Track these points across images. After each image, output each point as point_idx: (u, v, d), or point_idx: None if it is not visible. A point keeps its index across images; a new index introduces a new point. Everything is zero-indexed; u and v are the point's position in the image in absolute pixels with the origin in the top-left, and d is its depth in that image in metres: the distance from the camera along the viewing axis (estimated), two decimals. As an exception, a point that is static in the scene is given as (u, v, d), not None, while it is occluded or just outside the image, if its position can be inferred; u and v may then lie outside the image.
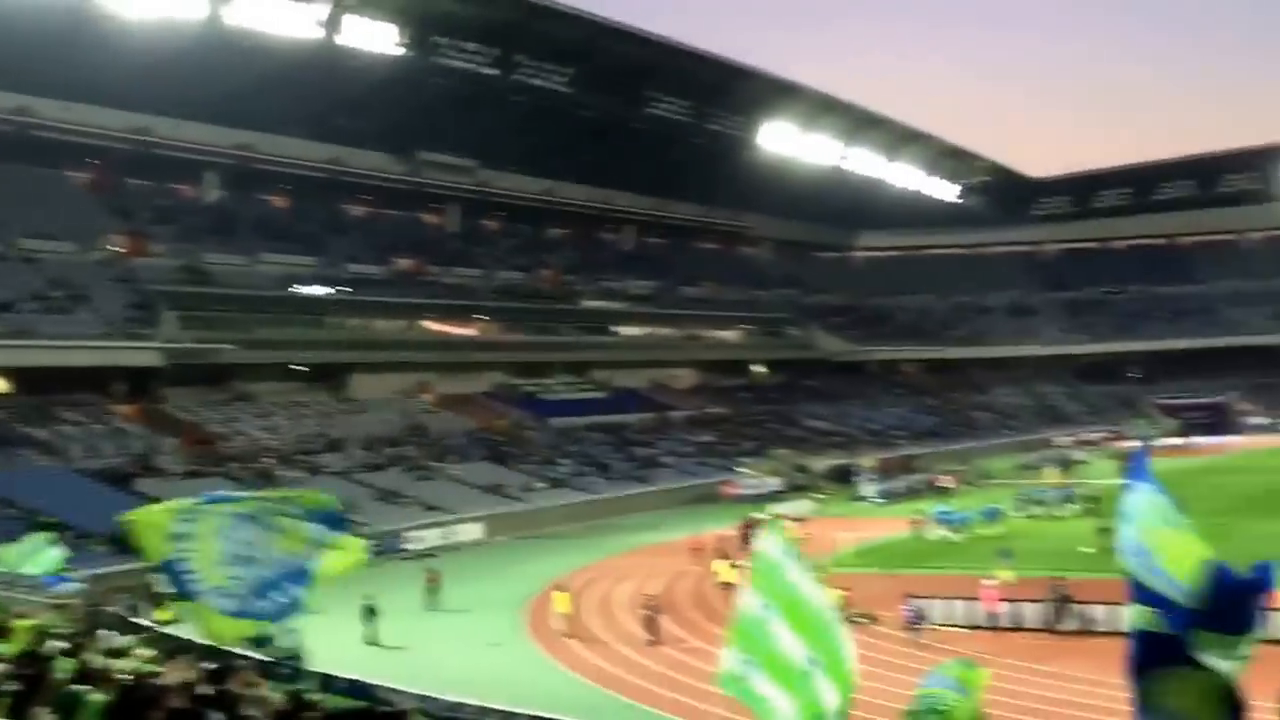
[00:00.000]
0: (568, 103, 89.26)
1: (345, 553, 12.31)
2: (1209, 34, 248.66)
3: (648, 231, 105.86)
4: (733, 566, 36.54)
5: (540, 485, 61.58)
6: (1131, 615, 8.96)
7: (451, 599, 36.77)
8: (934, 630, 29.54)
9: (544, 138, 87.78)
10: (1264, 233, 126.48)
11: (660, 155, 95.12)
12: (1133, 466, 9.56)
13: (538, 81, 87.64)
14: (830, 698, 10.30)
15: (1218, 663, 8.29)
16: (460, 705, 21.13)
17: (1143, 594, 8.74)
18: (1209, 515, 45.38)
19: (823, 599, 11.21)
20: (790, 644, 10.54)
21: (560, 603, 32.92)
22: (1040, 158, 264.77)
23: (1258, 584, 8.54)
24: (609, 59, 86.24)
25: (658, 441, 75.00)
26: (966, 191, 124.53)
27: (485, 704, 20.95)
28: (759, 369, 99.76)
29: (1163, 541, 8.89)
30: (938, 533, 47.77)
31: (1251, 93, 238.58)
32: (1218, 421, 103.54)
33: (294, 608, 12.05)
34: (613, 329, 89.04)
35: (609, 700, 24.91)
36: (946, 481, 68.43)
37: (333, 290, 74.49)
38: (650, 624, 30.37)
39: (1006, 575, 33.11)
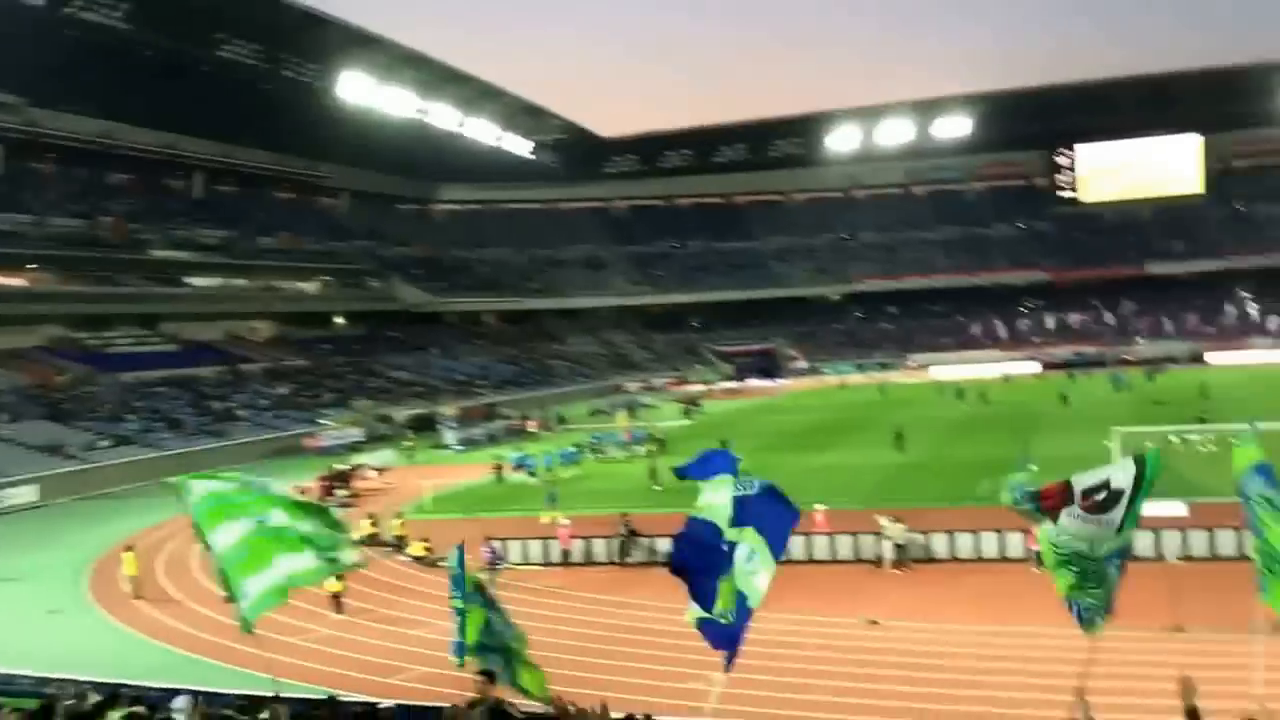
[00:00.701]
0: (127, 40, 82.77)
1: None
2: (766, 9, 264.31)
3: (220, 179, 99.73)
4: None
5: (105, 443, 57.48)
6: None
7: (2, 567, 34.02)
8: (512, 569, 30.03)
9: (102, 77, 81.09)
10: (807, 194, 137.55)
11: (232, 100, 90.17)
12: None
13: (91, 16, 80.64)
14: (306, 526, 10.85)
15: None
16: (12, 678, 19.31)
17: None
18: (761, 451, 49.27)
19: (245, 481, 11.48)
20: (240, 531, 10.79)
21: (127, 564, 30.63)
22: (611, 119, 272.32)
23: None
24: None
25: (233, 395, 72.04)
26: (542, 148, 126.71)
27: (44, 674, 19.30)
28: (339, 320, 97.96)
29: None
30: (517, 477, 48.61)
31: (797, 65, 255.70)
32: (767, 366, 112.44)
33: None
34: (184, 280, 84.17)
35: (181, 659, 23.68)
36: (531, 426, 70.19)
37: None
38: (224, 579, 28.91)
39: (554, 517, 34.14)
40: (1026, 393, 76.84)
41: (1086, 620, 10.58)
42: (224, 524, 10.89)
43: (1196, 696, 8.28)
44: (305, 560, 10.85)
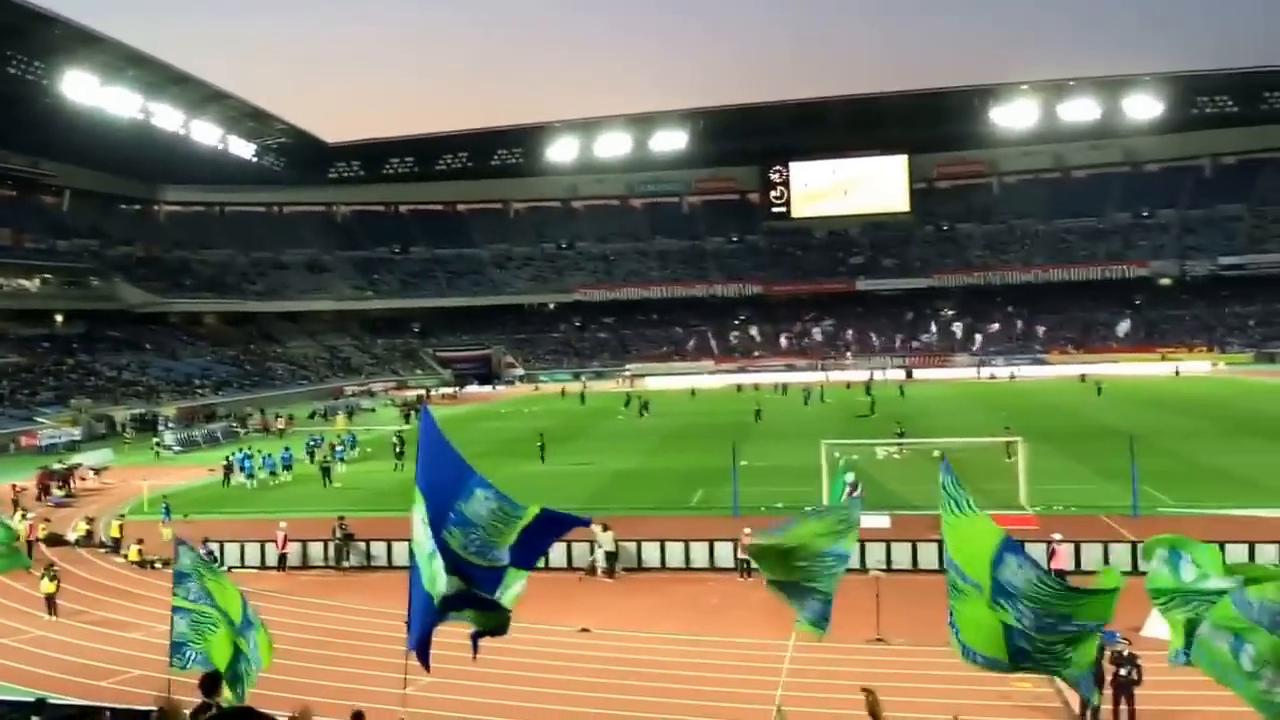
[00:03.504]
0: None
1: None
2: (487, 21, 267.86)
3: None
4: (24, 517, 36.50)
5: None
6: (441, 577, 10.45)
7: None
8: (228, 572, 29.01)
9: None
10: (526, 203, 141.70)
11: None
12: (423, 424, 11.18)
13: None
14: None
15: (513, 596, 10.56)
16: None
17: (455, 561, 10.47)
18: (477, 458, 50.30)
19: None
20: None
21: None
22: (336, 124, 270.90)
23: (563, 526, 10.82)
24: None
25: (-52, 392, 70.56)
26: (265, 151, 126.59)
27: None
28: (59, 318, 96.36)
29: (493, 521, 10.59)
30: (238, 479, 49.37)
31: (520, 77, 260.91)
32: (486, 372, 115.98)
33: None
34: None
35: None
36: (280, 425, 72.48)
37: None
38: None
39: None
40: (724, 404, 79.67)
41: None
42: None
43: (880, 709, 8.53)
44: None
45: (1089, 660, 10.50)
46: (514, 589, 10.62)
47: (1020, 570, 10.30)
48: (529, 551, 10.67)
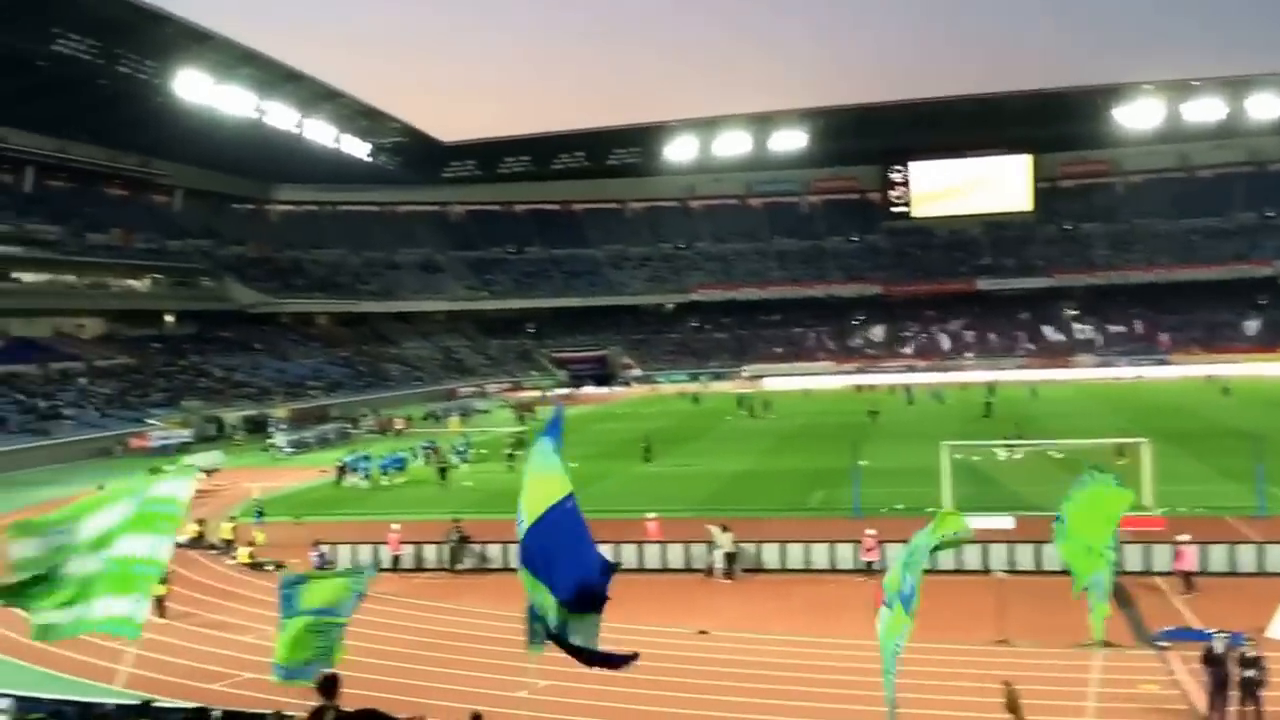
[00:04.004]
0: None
1: None
2: (605, 20, 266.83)
3: (51, 174, 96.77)
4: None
5: (-75, 440, 56.71)
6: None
7: None
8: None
9: (-71, 67, 79.53)
10: (643, 203, 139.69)
11: (66, 95, 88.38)
12: (550, 424, 11.04)
13: (-80, 6, 78.90)
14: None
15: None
16: None
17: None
18: (593, 459, 50.36)
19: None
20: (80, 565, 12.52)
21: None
22: (451, 123, 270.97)
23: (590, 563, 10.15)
24: (6, -11, 79.19)
25: (59, 393, 70.98)
26: (380, 151, 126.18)
27: None
28: (170, 319, 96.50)
29: (531, 484, 10.16)
30: (350, 480, 49.03)
31: (636, 77, 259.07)
32: (602, 373, 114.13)
33: None
34: (11, 275, 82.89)
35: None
36: (399, 425, 72.28)
37: None
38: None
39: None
40: (840, 404, 79.23)
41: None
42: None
43: (1019, 703, 8.31)
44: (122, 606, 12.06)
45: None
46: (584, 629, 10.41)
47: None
48: (562, 570, 10.11)
